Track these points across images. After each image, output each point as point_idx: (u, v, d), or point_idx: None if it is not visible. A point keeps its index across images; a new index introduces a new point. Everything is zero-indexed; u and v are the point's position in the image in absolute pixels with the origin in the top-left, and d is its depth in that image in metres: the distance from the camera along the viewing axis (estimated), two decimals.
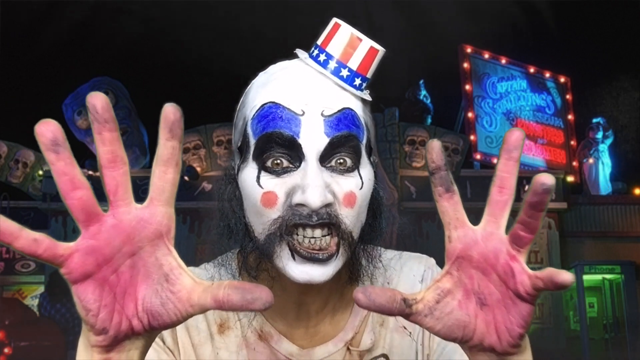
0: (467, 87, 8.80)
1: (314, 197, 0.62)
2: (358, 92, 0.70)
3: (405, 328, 0.77)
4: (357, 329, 0.76)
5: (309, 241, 0.64)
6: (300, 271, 0.65)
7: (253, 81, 0.73)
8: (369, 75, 0.70)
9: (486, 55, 9.09)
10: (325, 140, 0.65)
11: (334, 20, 0.71)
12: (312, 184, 0.63)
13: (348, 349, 0.75)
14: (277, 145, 0.65)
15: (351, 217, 0.66)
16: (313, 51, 0.71)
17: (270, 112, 0.67)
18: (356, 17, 11.27)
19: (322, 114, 0.66)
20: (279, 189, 0.65)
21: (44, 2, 10.94)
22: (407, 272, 0.80)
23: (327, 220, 0.64)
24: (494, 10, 11.14)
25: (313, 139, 0.65)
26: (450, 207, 0.51)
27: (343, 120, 0.67)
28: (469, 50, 8.96)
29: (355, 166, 0.67)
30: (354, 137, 0.67)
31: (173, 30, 11.66)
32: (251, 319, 0.75)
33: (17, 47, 10.76)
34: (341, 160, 0.66)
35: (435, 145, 0.50)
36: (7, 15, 8.85)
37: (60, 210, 7.13)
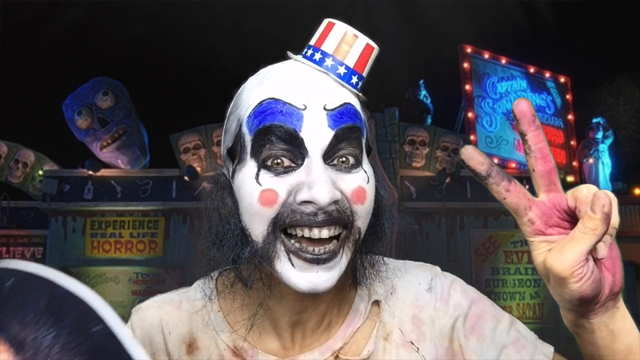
0: (467, 87, 8.79)
1: (322, 193, 0.59)
2: (354, 91, 0.68)
3: (412, 343, 0.73)
4: (348, 339, 0.72)
5: (313, 249, 0.61)
6: (303, 279, 0.61)
7: (244, 84, 0.70)
8: (364, 73, 0.69)
9: (486, 55, 9.08)
10: (329, 134, 0.63)
11: (327, 20, 0.69)
12: (319, 180, 0.60)
13: (337, 357, 0.71)
14: (277, 139, 0.62)
15: (362, 215, 0.64)
16: (306, 52, 0.69)
17: (268, 107, 0.63)
18: (356, 17, 11.27)
19: (324, 108, 0.64)
20: (279, 187, 0.62)
21: (44, 2, 10.93)
22: (411, 280, 0.77)
23: (337, 217, 0.61)
24: (494, 10, 11.13)
25: (317, 133, 0.62)
26: (521, 193, 0.55)
27: (346, 113, 0.65)
28: (469, 50, 8.95)
29: (359, 162, 0.65)
30: (358, 129, 0.65)
31: (173, 30, 11.66)
32: (224, 337, 0.72)
33: (17, 47, 10.76)
34: (343, 159, 0.64)
35: (471, 151, 0.53)
36: (7, 15, 8.84)
37: (60, 210, 7.13)
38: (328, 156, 0.63)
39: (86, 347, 0.40)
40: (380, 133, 7.29)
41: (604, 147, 9.08)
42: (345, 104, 0.65)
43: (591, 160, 8.95)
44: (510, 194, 0.54)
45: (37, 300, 0.42)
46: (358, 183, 0.64)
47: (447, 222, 7.34)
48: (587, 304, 0.54)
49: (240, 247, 0.65)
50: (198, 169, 7.22)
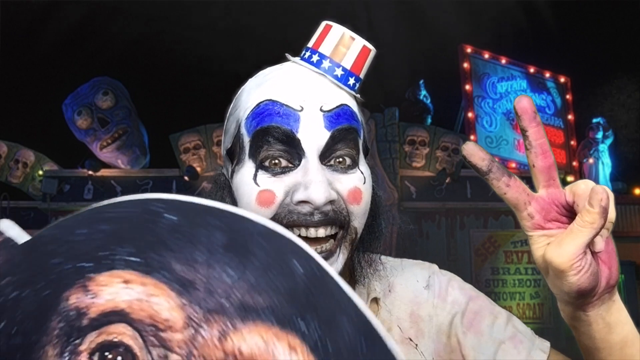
0: (467, 87, 8.79)
1: (318, 193, 0.60)
2: (352, 92, 0.69)
3: (411, 340, 0.74)
4: None
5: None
6: None
7: (244, 86, 0.71)
8: (361, 75, 0.69)
9: (486, 55, 9.08)
10: (326, 135, 0.64)
11: (325, 22, 0.70)
12: (315, 180, 0.61)
13: None
14: (275, 140, 0.63)
15: (358, 215, 0.64)
16: (304, 54, 0.70)
17: (266, 109, 0.65)
18: (356, 17, 11.28)
19: (321, 109, 0.65)
20: (277, 187, 0.63)
21: (44, 2, 10.93)
22: (409, 278, 0.78)
23: (333, 217, 0.62)
24: (494, 10, 11.13)
25: (313, 134, 0.63)
26: (521, 188, 0.56)
27: (343, 115, 0.66)
28: (469, 50, 8.95)
29: (356, 163, 0.66)
30: (354, 130, 0.66)
31: (173, 30, 11.66)
32: None
33: (17, 47, 10.76)
34: (340, 159, 0.65)
35: (472, 147, 0.54)
36: (7, 15, 8.85)
37: (61, 210, 7.13)
38: (324, 157, 0.64)
39: (286, 286, 0.36)
40: (380, 133, 7.29)
41: (604, 147, 9.08)
42: (341, 105, 0.66)
43: (591, 160, 8.95)
44: (510, 189, 0.55)
45: (210, 237, 0.37)
46: (354, 183, 0.64)
47: (447, 222, 7.34)
48: (584, 297, 0.55)
49: None
50: (198, 169, 7.23)
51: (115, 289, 0.37)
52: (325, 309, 0.36)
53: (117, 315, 0.37)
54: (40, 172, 7.92)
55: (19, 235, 0.41)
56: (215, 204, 0.38)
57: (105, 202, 0.39)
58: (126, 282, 0.37)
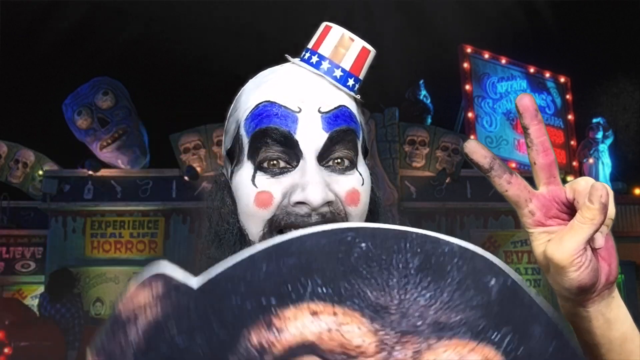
0: (467, 87, 8.79)
1: (314, 194, 0.60)
2: (351, 93, 0.69)
3: None
4: None
5: None
6: None
7: (244, 87, 0.72)
8: (361, 76, 0.70)
9: (486, 55, 9.08)
10: (324, 137, 0.64)
11: (324, 23, 0.70)
12: (313, 181, 0.61)
13: None
14: (273, 142, 0.63)
15: (356, 217, 0.64)
16: (304, 55, 0.70)
17: (265, 110, 0.65)
18: (356, 17, 11.28)
19: (319, 111, 0.65)
20: (275, 189, 0.63)
21: (44, 2, 10.93)
22: None
23: (331, 219, 0.62)
24: (494, 10, 11.13)
25: (311, 135, 0.64)
26: (522, 185, 0.56)
27: (341, 116, 0.66)
28: (469, 50, 8.95)
29: (354, 165, 0.66)
30: (353, 132, 0.66)
31: (173, 30, 11.66)
32: None
33: (17, 47, 10.76)
34: (339, 160, 0.65)
35: (474, 145, 0.54)
36: (7, 15, 8.85)
37: (61, 210, 7.14)
38: (322, 158, 0.64)
39: (481, 301, 0.37)
40: (380, 133, 7.28)
41: (604, 147, 9.08)
42: (340, 106, 0.66)
43: (591, 160, 8.95)
44: (512, 186, 0.55)
45: (403, 261, 0.37)
46: (352, 185, 0.65)
47: (447, 222, 7.34)
48: (585, 293, 0.56)
49: (239, 246, 0.66)
50: (198, 169, 7.23)
51: (303, 322, 0.36)
52: (518, 319, 0.37)
53: (304, 349, 0.36)
54: (40, 172, 7.92)
55: (186, 277, 0.39)
56: (406, 228, 0.39)
57: (290, 234, 0.38)
58: (314, 313, 0.36)
